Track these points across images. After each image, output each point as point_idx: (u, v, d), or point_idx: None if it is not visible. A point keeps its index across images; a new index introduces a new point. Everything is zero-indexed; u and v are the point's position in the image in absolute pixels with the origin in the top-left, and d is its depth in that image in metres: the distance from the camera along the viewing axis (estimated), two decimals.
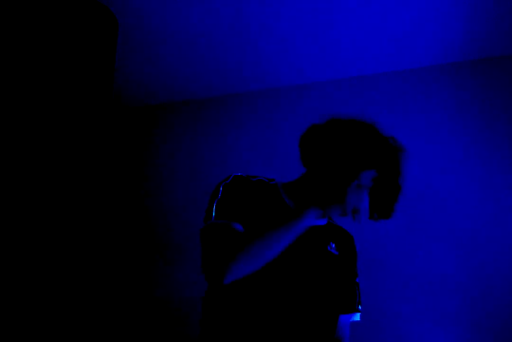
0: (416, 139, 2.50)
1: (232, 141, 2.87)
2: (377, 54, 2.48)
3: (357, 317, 1.43)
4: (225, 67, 2.65)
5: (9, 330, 1.29)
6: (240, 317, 1.19)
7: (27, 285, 1.34)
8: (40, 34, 1.45)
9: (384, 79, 2.64)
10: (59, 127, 1.45)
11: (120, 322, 2.77)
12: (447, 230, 2.31)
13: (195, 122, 3.02)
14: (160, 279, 2.77)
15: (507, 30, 2.24)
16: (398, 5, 2.09)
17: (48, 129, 1.43)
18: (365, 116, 1.43)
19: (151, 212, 2.95)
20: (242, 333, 1.18)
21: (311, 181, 1.35)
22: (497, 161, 2.33)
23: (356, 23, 2.22)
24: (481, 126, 2.40)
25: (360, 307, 1.43)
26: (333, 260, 1.34)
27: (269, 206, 1.28)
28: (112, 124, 3.21)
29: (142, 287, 2.81)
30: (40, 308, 1.36)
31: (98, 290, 2.74)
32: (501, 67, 2.44)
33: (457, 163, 2.39)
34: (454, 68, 2.52)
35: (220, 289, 1.21)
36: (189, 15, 2.20)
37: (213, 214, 1.22)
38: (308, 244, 1.29)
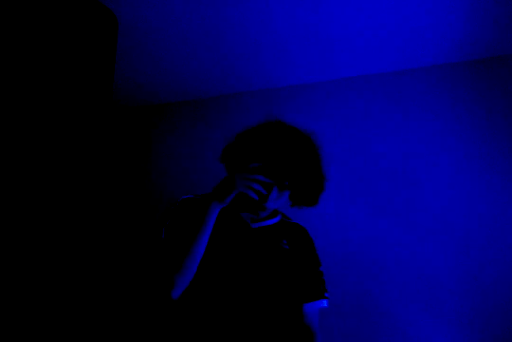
0: (416, 139, 2.51)
1: None
2: (377, 54, 2.48)
3: (323, 303, 1.49)
4: (225, 67, 2.65)
5: (9, 330, 1.29)
6: (203, 319, 1.30)
7: (29, 285, 1.34)
8: (40, 34, 1.45)
9: (384, 79, 2.64)
10: (58, 127, 1.45)
11: (126, 322, 2.77)
12: (448, 230, 2.31)
13: (195, 122, 3.02)
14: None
15: (507, 30, 2.24)
16: (398, 5, 2.09)
17: (47, 129, 1.43)
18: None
19: (151, 211, 2.95)
20: (207, 333, 1.28)
21: None
22: (497, 161, 2.33)
23: (356, 23, 2.22)
24: (481, 126, 2.40)
25: (327, 294, 1.50)
26: (285, 255, 1.43)
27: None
28: (112, 124, 3.21)
29: (146, 286, 2.80)
30: (42, 307, 1.36)
31: (104, 290, 2.74)
32: (501, 67, 2.44)
33: (457, 163, 2.39)
34: (454, 68, 2.52)
35: (171, 306, 1.33)
36: (190, 16, 2.20)
37: (163, 237, 1.36)
38: (262, 244, 1.41)
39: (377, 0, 2.06)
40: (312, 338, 1.43)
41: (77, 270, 1.48)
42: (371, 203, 2.48)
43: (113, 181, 3.07)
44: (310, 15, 2.18)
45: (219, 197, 1.30)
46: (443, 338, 2.19)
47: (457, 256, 2.26)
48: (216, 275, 1.34)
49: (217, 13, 2.17)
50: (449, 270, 2.26)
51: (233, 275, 1.33)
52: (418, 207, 2.39)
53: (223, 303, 1.32)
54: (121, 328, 2.75)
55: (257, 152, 1.37)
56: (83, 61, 1.54)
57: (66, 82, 1.48)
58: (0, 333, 1.28)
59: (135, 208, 2.99)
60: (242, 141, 1.48)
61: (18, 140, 1.40)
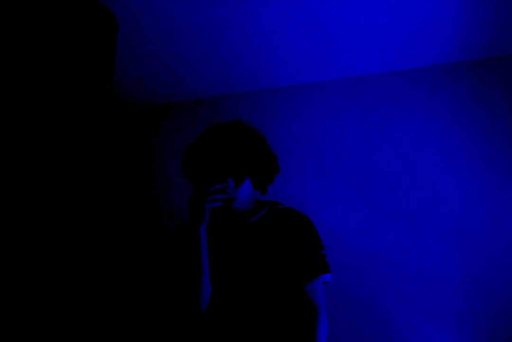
0: (416, 139, 2.51)
1: None
2: (377, 54, 2.48)
3: (324, 278, 1.55)
4: (225, 67, 2.65)
5: (9, 330, 1.29)
6: (216, 309, 1.50)
7: (31, 285, 1.35)
8: (40, 34, 1.45)
9: (384, 79, 2.64)
10: (58, 126, 1.45)
11: (128, 316, 2.77)
12: (449, 231, 2.31)
13: (195, 122, 3.02)
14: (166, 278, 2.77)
15: (507, 30, 2.24)
16: (398, 5, 2.09)
17: (46, 129, 1.43)
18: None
19: (151, 211, 2.95)
20: (219, 321, 1.49)
21: None
22: (498, 161, 2.33)
23: (356, 23, 2.22)
24: (482, 126, 2.40)
25: (328, 269, 1.57)
26: (277, 245, 1.53)
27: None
28: (113, 123, 3.21)
29: (148, 281, 2.81)
30: (43, 308, 1.36)
31: (105, 289, 2.74)
32: (501, 67, 2.44)
33: (457, 163, 2.39)
34: (454, 68, 2.52)
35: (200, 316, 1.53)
36: (189, 16, 2.20)
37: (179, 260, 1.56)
38: (251, 241, 1.54)
39: (377, 0, 2.06)
40: (315, 315, 1.47)
41: (76, 270, 1.48)
42: (371, 204, 2.48)
43: (113, 180, 3.06)
44: (310, 15, 2.18)
45: (199, 219, 1.50)
46: (443, 339, 2.19)
47: (457, 256, 2.26)
48: (217, 275, 1.52)
49: (217, 13, 2.17)
50: (449, 271, 2.26)
51: (230, 273, 1.51)
52: (418, 207, 2.39)
53: (225, 300, 1.49)
54: (121, 329, 2.76)
55: (202, 156, 1.58)
56: (83, 61, 1.54)
57: (65, 82, 1.49)
58: (0, 333, 1.28)
59: (135, 208, 2.99)
60: (188, 153, 1.65)
61: (17, 140, 1.40)
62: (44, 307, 1.38)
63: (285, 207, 1.66)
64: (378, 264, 2.36)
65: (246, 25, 2.26)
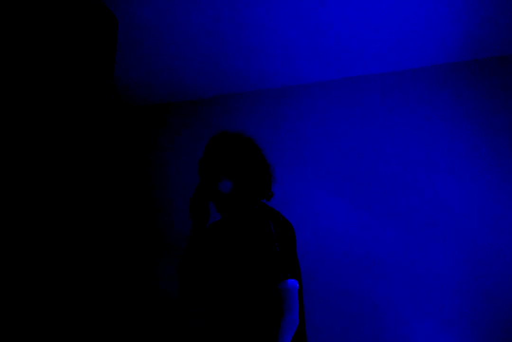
0: (416, 138, 2.51)
1: None
2: (377, 54, 2.48)
3: (292, 282, 1.54)
4: (225, 67, 2.65)
5: (9, 330, 1.29)
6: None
7: (31, 282, 1.34)
8: (40, 34, 1.46)
9: (384, 79, 2.64)
10: (58, 126, 1.45)
11: (126, 316, 2.77)
12: (449, 231, 2.31)
13: (195, 122, 3.02)
14: (165, 274, 2.77)
15: (507, 30, 2.24)
16: (398, 5, 2.09)
17: (47, 128, 1.43)
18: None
19: (152, 210, 2.95)
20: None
21: None
22: (497, 161, 2.33)
23: (356, 23, 2.22)
24: (481, 126, 2.40)
25: (288, 275, 1.55)
26: (240, 247, 1.61)
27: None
28: (113, 123, 3.21)
29: (148, 281, 2.81)
30: (44, 306, 1.36)
31: (104, 284, 2.73)
32: (501, 67, 2.44)
33: (457, 163, 2.39)
34: (454, 68, 2.52)
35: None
36: (190, 16, 2.20)
37: None
38: (222, 240, 1.68)
39: (377, 0, 2.06)
40: (279, 317, 1.49)
41: (77, 270, 1.48)
42: (371, 204, 2.48)
43: (113, 180, 3.07)
44: (311, 16, 2.18)
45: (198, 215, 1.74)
46: (443, 339, 2.19)
47: (457, 256, 2.26)
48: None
49: (217, 13, 2.17)
50: (449, 271, 2.26)
51: (203, 269, 1.70)
52: (418, 207, 2.39)
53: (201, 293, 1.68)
54: (121, 328, 2.76)
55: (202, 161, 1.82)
56: (83, 61, 1.54)
57: (66, 82, 1.49)
58: (0, 333, 1.28)
59: (135, 207, 2.99)
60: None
61: (19, 140, 1.40)
62: (44, 304, 1.38)
63: (261, 208, 1.68)
64: (378, 264, 2.36)
65: (246, 25, 2.26)
